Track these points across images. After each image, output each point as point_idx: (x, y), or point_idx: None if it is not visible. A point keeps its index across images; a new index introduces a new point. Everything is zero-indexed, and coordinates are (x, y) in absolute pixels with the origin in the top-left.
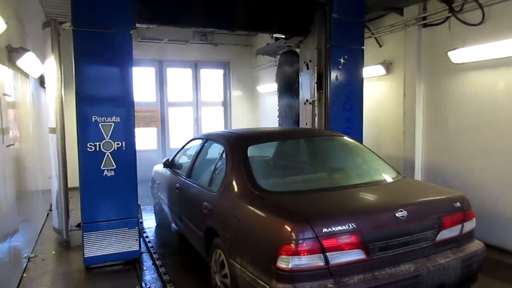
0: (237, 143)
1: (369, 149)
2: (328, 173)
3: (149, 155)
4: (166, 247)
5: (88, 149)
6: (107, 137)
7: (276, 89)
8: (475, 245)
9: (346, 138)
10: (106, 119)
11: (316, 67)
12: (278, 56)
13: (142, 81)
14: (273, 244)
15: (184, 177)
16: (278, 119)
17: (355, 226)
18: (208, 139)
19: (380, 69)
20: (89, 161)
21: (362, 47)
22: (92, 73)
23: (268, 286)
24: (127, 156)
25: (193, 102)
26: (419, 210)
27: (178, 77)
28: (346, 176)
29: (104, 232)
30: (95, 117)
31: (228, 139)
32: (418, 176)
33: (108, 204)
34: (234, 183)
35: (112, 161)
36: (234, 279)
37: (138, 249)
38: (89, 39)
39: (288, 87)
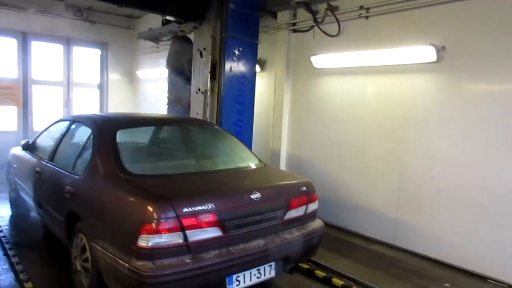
0: (106, 127)
1: (238, 139)
2: (196, 159)
3: (8, 137)
4: (23, 237)
5: None
6: None
7: (167, 75)
8: (316, 223)
9: (217, 128)
10: None
11: (210, 56)
12: (166, 41)
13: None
14: (134, 224)
15: (46, 160)
16: (167, 106)
17: (213, 206)
18: (76, 121)
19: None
20: None
21: (257, 42)
22: None
23: (127, 265)
24: None
25: (64, 82)
26: (271, 193)
27: (46, 53)
28: (213, 163)
29: None
30: None
31: (97, 122)
32: (282, 165)
33: None
34: (100, 166)
35: None
36: (95, 262)
37: None
38: None
39: (180, 74)
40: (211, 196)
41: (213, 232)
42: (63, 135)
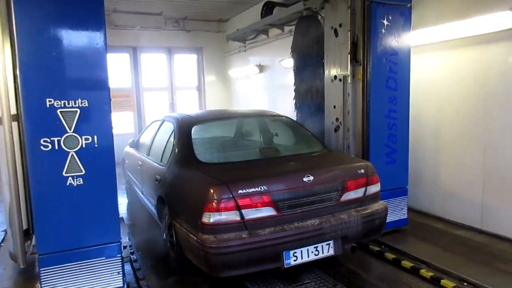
0: (184, 123)
1: (304, 127)
2: (261, 148)
3: (126, 138)
4: (133, 220)
5: (42, 147)
6: (70, 129)
7: (292, 65)
8: (378, 205)
9: (286, 118)
10: (68, 104)
11: (349, 32)
12: (251, 39)
13: (116, 67)
14: (199, 204)
15: (145, 155)
16: (294, 101)
17: (266, 188)
18: (165, 120)
19: None
20: (44, 164)
21: (410, 5)
22: (45, 39)
23: (195, 237)
24: (101, 156)
25: (168, 87)
26: (324, 175)
27: (153, 63)
28: (275, 151)
29: (70, 266)
30: (50, 101)
31: (178, 120)
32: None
33: (75, 226)
34: (178, 156)
35: (80, 164)
36: (176, 236)
37: (121, 285)
38: None
39: (309, 60)
40: (264, 179)
41: (267, 211)
42: (156, 133)
